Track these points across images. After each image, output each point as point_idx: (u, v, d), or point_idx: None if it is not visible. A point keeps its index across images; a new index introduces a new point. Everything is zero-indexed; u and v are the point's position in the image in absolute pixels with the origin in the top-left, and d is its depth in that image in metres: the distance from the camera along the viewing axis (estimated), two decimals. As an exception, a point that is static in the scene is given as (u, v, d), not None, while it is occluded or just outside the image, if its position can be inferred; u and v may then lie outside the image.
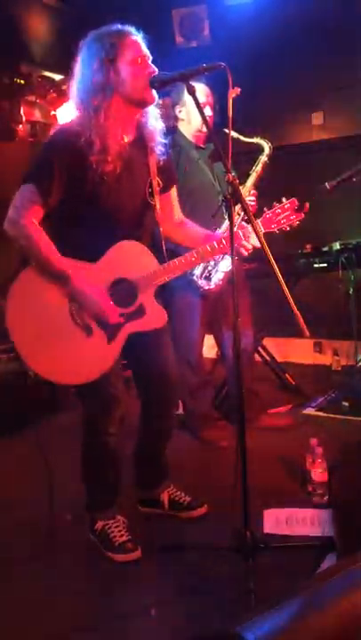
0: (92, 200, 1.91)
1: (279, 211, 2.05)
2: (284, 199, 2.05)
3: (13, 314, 1.91)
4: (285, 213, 2.05)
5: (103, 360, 1.96)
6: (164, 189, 2.10)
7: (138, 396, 2.24)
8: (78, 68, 1.91)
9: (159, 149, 2.02)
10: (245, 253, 2.11)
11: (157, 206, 2.04)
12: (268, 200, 2.11)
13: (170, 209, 2.19)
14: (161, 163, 2.04)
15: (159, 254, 2.04)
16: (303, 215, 2.06)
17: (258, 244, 1.88)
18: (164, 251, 2.05)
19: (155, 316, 2.02)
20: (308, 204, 2.06)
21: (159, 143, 2.02)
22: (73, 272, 1.88)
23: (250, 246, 2.08)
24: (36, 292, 1.92)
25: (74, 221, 1.95)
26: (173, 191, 2.19)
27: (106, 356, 1.97)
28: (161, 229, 2.06)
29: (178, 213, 2.24)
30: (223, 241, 2.02)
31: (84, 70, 1.89)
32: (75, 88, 1.92)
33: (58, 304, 1.92)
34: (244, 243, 2.06)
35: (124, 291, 1.97)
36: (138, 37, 1.90)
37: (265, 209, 2.07)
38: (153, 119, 2.00)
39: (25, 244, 1.86)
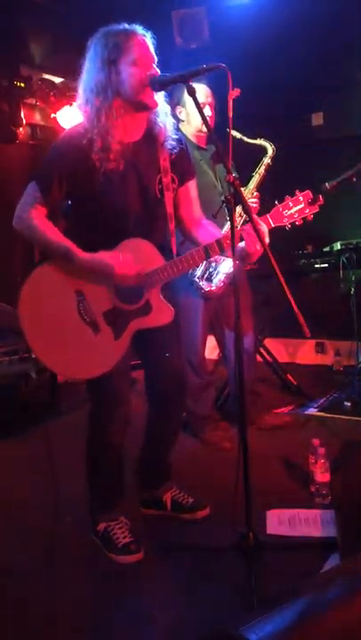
0: (99, 199, 1.92)
1: (291, 204, 1.94)
2: (297, 192, 1.94)
3: (25, 314, 1.95)
4: (299, 207, 1.93)
5: (111, 356, 1.99)
6: (180, 183, 2.07)
7: (146, 396, 2.24)
8: (85, 66, 1.92)
9: (170, 144, 2.00)
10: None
11: (168, 203, 2.02)
12: (269, 200, 2.09)
13: (188, 203, 2.13)
14: (173, 157, 2.02)
15: (168, 252, 2.04)
16: (318, 208, 1.94)
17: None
18: (174, 248, 2.04)
19: (161, 313, 2.03)
20: (321, 197, 1.95)
21: (169, 138, 2.00)
22: (74, 246, 1.90)
23: (258, 247, 2.03)
24: (46, 292, 1.97)
25: (84, 221, 1.99)
26: (191, 184, 2.13)
27: (113, 351, 2.00)
28: (170, 226, 2.05)
29: (198, 210, 2.17)
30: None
31: (89, 69, 1.91)
32: (80, 85, 1.94)
33: (66, 303, 1.96)
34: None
35: (130, 288, 1.97)
36: (144, 37, 1.89)
37: (276, 202, 1.96)
38: (163, 115, 1.99)
39: (29, 233, 1.93)
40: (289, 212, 1.94)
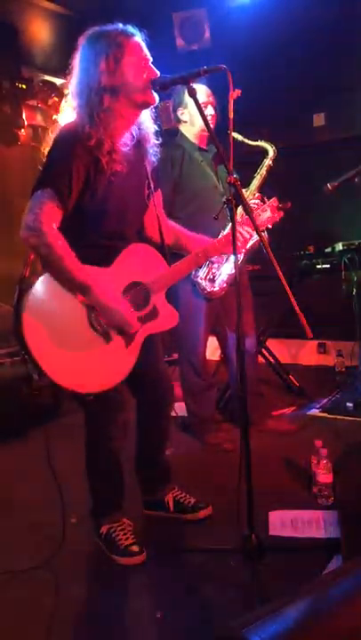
0: (102, 202, 1.88)
1: (266, 209, 2.12)
2: (265, 199, 2.14)
3: (30, 324, 1.77)
4: (269, 213, 2.12)
5: (124, 364, 1.96)
6: (154, 190, 2.10)
7: (133, 397, 2.21)
8: (81, 64, 1.86)
9: (153, 150, 2.03)
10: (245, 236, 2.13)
11: (157, 206, 2.05)
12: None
13: (159, 209, 2.15)
14: (154, 164, 2.06)
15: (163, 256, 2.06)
16: (283, 213, 2.13)
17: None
18: (166, 252, 2.06)
19: (167, 317, 2.05)
20: (290, 203, 2.15)
21: (153, 144, 2.02)
22: (93, 282, 1.80)
23: (247, 235, 2.12)
24: (53, 302, 1.83)
25: (84, 225, 1.90)
26: (159, 193, 2.16)
27: (126, 360, 1.96)
28: (161, 229, 2.08)
29: (163, 215, 2.20)
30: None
31: (88, 68, 1.83)
32: (77, 86, 1.86)
33: (76, 313, 1.85)
34: (243, 232, 2.10)
35: (137, 294, 1.98)
36: (140, 39, 1.89)
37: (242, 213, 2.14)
38: (147, 120, 2.00)
39: (46, 252, 1.76)
40: (265, 218, 2.14)
